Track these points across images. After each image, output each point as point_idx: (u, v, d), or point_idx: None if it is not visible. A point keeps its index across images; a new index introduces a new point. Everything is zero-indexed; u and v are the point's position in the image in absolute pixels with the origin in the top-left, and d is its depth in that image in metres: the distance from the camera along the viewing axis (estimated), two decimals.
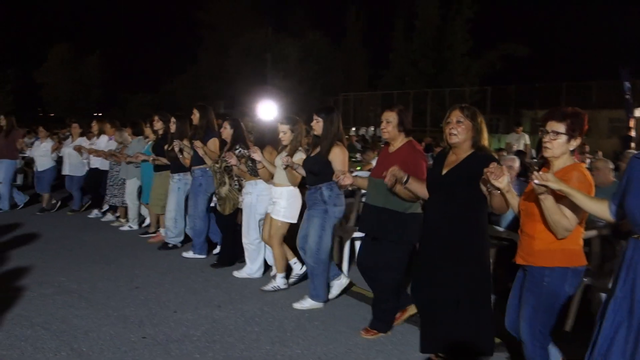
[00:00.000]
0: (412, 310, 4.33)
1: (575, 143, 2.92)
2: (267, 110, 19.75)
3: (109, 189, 8.38)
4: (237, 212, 6.00)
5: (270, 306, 4.84)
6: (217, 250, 6.54)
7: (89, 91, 40.26)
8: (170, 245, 6.83)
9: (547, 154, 2.98)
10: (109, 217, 8.81)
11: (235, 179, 5.98)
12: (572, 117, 2.90)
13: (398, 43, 32.79)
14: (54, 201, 9.64)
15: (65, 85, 38.84)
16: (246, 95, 32.92)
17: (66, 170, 9.36)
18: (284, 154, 5.11)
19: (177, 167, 6.69)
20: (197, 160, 6.31)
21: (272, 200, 5.23)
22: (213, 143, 6.35)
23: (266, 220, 5.35)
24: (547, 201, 2.73)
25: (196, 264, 6.13)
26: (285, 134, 5.13)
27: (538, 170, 2.74)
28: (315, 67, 37.46)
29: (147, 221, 8.19)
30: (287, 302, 4.93)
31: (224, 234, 6.18)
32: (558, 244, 2.91)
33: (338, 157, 4.62)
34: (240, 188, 5.98)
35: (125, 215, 8.38)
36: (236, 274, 5.71)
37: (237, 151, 5.80)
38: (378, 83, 35.31)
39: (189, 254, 6.48)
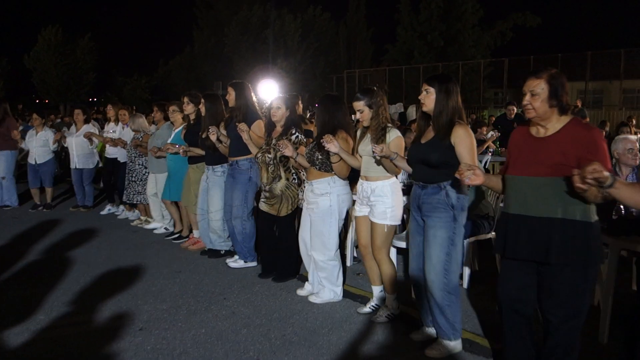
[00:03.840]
0: None
1: None
2: (268, 89, 18.66)
3: (132, 185, 7.15)
4: (296, 213, 4.88)
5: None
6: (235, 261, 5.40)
7: (82, 76, 38.59)
8: (222, 252, 5.71)
9: None
10: (128, 214, 7.86)
11: (293, 171, 4.77)
12: None
13: (404, 15, 31.10)
14: (39, 202, 8.59)
15: (56, 70, 37.16)
16: (245, 75, 31.39)
17: (74, 164, 8.20)
18: (367, 139, 3.91)
19: (216, 158, 5.51)
20: (240, 148, 5.11)
21: (370, 201, 3.95)
22: (258, 126, 5.17)
23: (360, 225, 4.11)
24: None
25: (215, 289, 4.77)
26: (362, 113, 3.94)
27: None
28: (317, 44, 35.88)
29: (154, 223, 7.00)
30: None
31: (284, 241, 4.96)
32: None
33: (464, 140, 3.32)
34: (300, 183, 4.78)
35: (147, 214, 7.27)
36: (314, 299, 4.43)
37: (294, 137, 4.58)
38: (383, 58, 33.75)
39: (238, 264, 5.36)
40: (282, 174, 4.79)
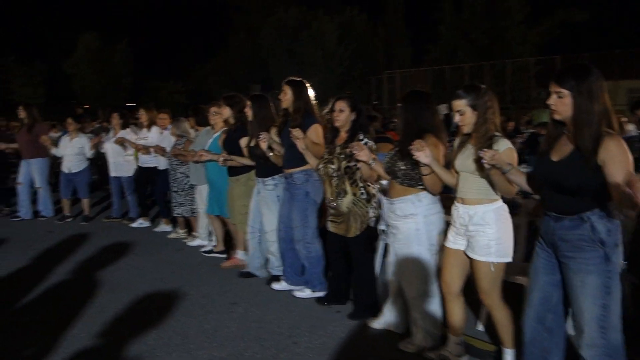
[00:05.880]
0: None
1: None
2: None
3: (174, 196, 6.50)
4: (370, 233, 4.14)
5: None
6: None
7: (119, 80, 38.71)
8: (282, 278, 4.83)
9: None
10: (167, 228, 7.22)
11: (361, 185, 3.95)
12: None
13: (446, 14, 30.03)
14: (68, 214, 8.01)
15: (94, 76, 37.34)
16: (282, 78, 30.71)
17: (112, 171, 7.60)
18: (468, 151, 3.09)
19: (267, 169, 4.75)
20: (295, 158, 4.33)
21: (468, 230, 3.12)
22: (316, 131, 4.36)
23: (449, 257, 3.28)
24: None
25: (281, 328, 3.96)
26: (464, 115, 3.08)
27: None
28: (355, 45, 35.00)
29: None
30: None
31: (357, 266, 4.18)
32: None
33: (617, 158, 2.41)
34: (369, 198, 3.98)
35: (186, 227, 6.72)
36: (407, 347, 3.56)
37: (362, 143, 3.79)
38: (424, 59, 32.66)
39: (305, 293, 4.56)
40: (348, 189, 4.00)
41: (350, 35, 34.94)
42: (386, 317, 3.87)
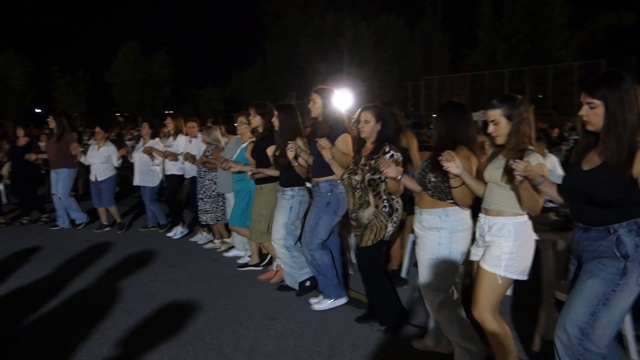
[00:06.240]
0: None
1: None
2: (342, 99, 17.86)
3: (200, 203, 6.43)
4: (382, 246, 3.98)
5: None
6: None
7: (158, 88, 39.39)
8: (307, 284, 4.81)
9: None
10: (201, 237, 7.09)
11: (384, 197, 3.79)
12: None
13: (485, 18, 29.47)
14: (106, 223, 7.98)
15: (134, 84, 38.11)
16: (318, 85, 30.51)
17: (136, 180, 7.58)
18: (498, 162, 2.94)
19: (288, 179, 4.67)
20: (322, 168, 4.21)
21: (485, 241, 3.01)
22: (344, 141, 4.26)
23: (475, 273, 3.11)
24: None
25: (320, 347, 3.75)
26: (497, 125, 2.92)
27: None
28: (392, 51, 34.72)
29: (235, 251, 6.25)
30: None
31: (369, 278, 4.08)
32: None
33: None
34: (391, 212, 3.81)
35: (222, 237, 6.64)
36: None
37: (387, 155, 3.69)
38: (462, 64, 32.15)
39: (324, 304, 4.45)
40: (371, 200, 3.84)
41: (387, 40, 34.71)
42: (430, 337, 3.67)
